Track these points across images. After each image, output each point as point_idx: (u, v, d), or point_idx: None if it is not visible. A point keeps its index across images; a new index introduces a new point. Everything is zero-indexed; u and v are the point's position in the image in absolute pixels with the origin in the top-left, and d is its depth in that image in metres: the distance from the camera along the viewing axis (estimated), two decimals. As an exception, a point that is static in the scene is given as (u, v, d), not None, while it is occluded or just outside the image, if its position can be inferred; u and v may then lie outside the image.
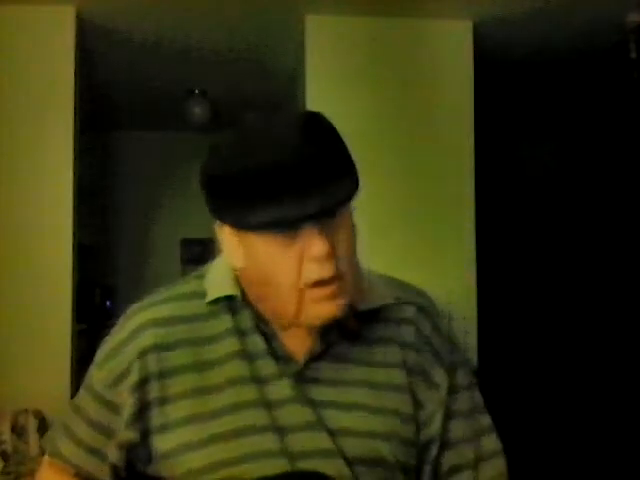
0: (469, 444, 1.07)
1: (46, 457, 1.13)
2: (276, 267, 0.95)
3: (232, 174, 0.91)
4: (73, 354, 3.29)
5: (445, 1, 3.42)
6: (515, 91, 4.59)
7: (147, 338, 1.03)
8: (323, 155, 0.91)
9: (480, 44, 3.61)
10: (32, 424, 2.98)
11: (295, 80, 3.99)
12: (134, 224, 5.47)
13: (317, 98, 3.50)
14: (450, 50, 3.61)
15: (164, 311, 1.06)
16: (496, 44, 3.81)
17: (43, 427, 3.02)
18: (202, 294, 1.06)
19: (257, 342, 1.02)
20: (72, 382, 3.25)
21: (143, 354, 1.02)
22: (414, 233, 3.43)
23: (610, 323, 5.16)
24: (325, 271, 0.93)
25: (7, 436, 2.92)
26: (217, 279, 1.06)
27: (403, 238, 3.37)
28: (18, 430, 2.96)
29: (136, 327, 1.05)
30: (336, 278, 0.94)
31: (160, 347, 1.03)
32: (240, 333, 1.03)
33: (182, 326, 1.04)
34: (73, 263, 3.31)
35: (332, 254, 0.93)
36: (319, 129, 0.94)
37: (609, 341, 5.15)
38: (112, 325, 1.12)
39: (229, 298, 1.04)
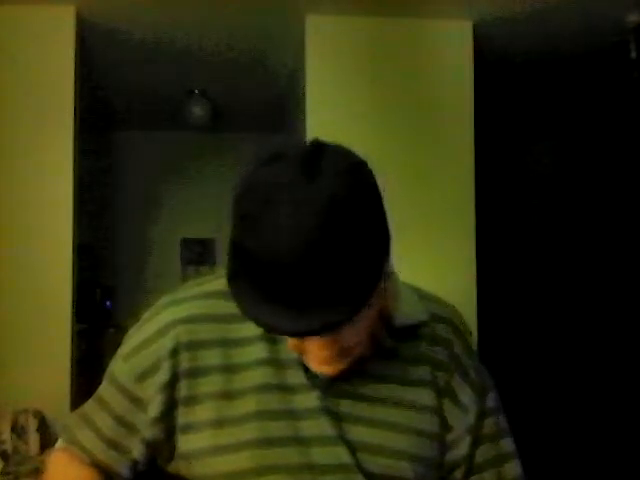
0: (492, 470, 1.06)
1: (60, 444, 1.11)
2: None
3: (239, 248, 0.84)
4: (73, 354, 3.29)
5: (445, 1, 3.42)
6: (515, 91, 4.59)
7: (180, 335, 1.01)
8: (338, 265, 0.79)
9: (480, 44, 3.61)
10: (32, 424, 2.98)
11: (295, 80, 3.99)
12: (134, 224, 5.47)
13: (317, 98, 3.51)
14: (450, 50, 3.60)
15: (197, 308, 1.03)
16: (496, 44, 3.81)
17: (43, 427, 3.02)
18: None
19: (288, 350, 0.99)
20: (72, 382, 3.25)
21: (175, 351, 1.00)
22: (414, 233, 3.43)
23: (610, 323, 5.16)
24: (324, 353, 0.90)
25: (7, 436, 2.92)
26: None
27: (403, 238, 3.35)
28: (18, 430, 2.96)
29: (168, 322, 1.02)
30: (337, 354, 0.91)
31: (192, 345, 1.00)
32: (271, 340, 1.00)
33: (215, 325, 1.02)
34: (73, 263, 3.31)
35: (334, 344, 0.89)
36: (348, 225, 0.81)
37: (610, 341, 5.15)
38: (112, 325, 1.11)
39: None
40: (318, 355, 0.91)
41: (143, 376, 1.01)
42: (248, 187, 0.86)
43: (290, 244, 0.79)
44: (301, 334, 0.83)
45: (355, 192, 0.83)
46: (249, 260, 0.83)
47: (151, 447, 1.03)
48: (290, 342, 0.93)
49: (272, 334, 0.88)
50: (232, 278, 0.87)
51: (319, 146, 0.88)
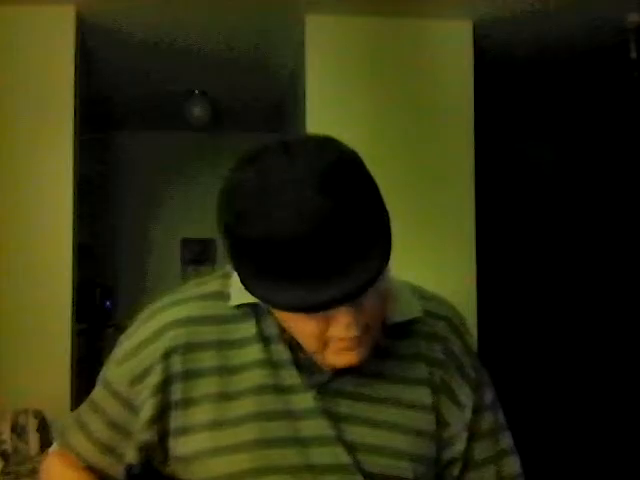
0: (490, 466, 1.06)
1: (55, 447, 1.11)
2: (299, 324, 0.92)
3: (248, 244, 0.84)
4: (73, 354, 3.29)
5: (445, 1, 3.42)
6: (515, 91, 4.59)
7: (173, 338, 1.00)
8: (349, 227, 0.82)
9: (480, 44, 3.61)
10: (32, 424, 2.98)
11: (295, 80, 3.99)
12: (134, 224, 5.47)
13: (317, 98, 3.51)
14: (450, 50, 3.60)
15: (191, 310, 1.02)
16: (496, 44, 3.81)
17: (43, 427, 3.02)
18: (228, 295, 1.03)
19: (282, 351, 0.99)
20: (72, 382, 3.25)
21: (168, 354, 1.00)
22: (414, 233, 3.43)
23: (611, 324, 5.16)
24: (351, 332, 0.90)
25: (7, 436, 2.92)
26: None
27: (403, 238, 3.35)
28: (18, 430, 2.95)
29: (162, 326, 1.02)
30: (362, 333, 0.92)
31: (186, 347, 1.00)
32: (265, 340, 1.00)
33: (209, 327, 1.01)
34: (73, 263, 3.31)
35: (359, 319, 0.90)
36: (345, 187, 0.83)
37: (609, 339, 5.15)
38: (112, 325, 1.10)
39: (256, 303, 1.00)
40: (345, 335, 0.90)
41: (137, 380, 1.01)
42: (237, 185, 0.87)
43: (299, 223, 0.81)
44: (349, 297, 0.83)
45: (342, 159, 0.86)
46: (261, 252, 0.83)
47: (145, 451, 1.02)
48: (312, 334, 0.91)
49: (310, 312, 0.86)
50: (246, 273, 0.87)
51: (288, 138, 0.91)
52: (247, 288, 0.88)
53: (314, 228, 0.81)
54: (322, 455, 0.97)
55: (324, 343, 0.92)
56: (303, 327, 0.92)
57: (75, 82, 3.37)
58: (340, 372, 0.98)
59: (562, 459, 4.47)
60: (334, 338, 0.91)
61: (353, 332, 0.90)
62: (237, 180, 0.87)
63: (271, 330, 1.01)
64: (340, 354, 0.93)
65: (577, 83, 4.46)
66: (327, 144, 0.89)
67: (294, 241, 0.81)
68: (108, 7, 3.41)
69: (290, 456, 0.97)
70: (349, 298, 0.83)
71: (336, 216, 0.81)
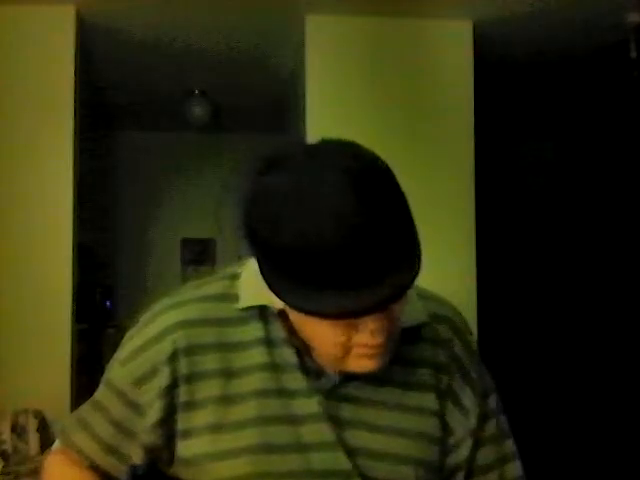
0: (494, 471, 1.06)
1: (58, 445, 1.10)
2: (322, 331, 0.90)
3: (282, 251, 0.83)
4: (73, 354, 3.29)
5: (445, 1, 3.42)
6: (515, 91, 4.59)
7: (178, 339, 0.99)
8: (385, 233, 0.81)
9: (480, 44, 3.61)
10: (32, 424, 2.98)
11: (295, 80, 3.99)
12: (134, 224, 5.46)
13: (317, 98, 3.51)
14: (450, 50, 3.61)
15: (195, 311, 1.01)
16: (496, 44, 3.81)
17: (43, 427, 3.02)
18: (233, 297, 1.02)
19: (287, 355, 0.98)
20: (72, 382, 3.25)
21: (174, 356, 0.99)
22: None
23: (611, 324, 5.15)
24: (378, 338, 0.90)
25: (7, 436, 2.92)
26: (252, 285, 0.98)
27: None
28: (18, 430, 2.95)
29: (166, 327, 1.01)
30: (386, 339, 0.91)
31: (190, 350, 0.99)
32: (270, 344, 0.99)
33: (212, 329, 1.00)
34: (73, 263, 3.31)
35: (385, 325, 0.89)
36: (379, 193, 0.84)
37: (609, 339, 5.14)
38: (112, 325, 1.09)
39: (263, 306, 1.00)
40: (371, 341, 0.89)
41: (141, 381, 1.00)
42: (268, 191, 0.85)
43: (337, 230, 0.80)
44: (387, 302, 0.83)
45: (373, 165, 0.87)
46: (296, 259, 0.82)
47: (150, 452, 1.02)
48: (336, 340, 0.90)
49: (345, 319, 0.85)
50: (278, 280, 0.86)
51: (312, 143, 0.90)
52: (278, 295, 0.87)
53: (352, 235, 0.80)
54: (323, 461, 0.97)
55: (346, 350, 0.91)
56: (327, 334, 0.90)
57: (75, 82, 3.37)
58: (348, 377, 0.98)
59: (562, 459, 4.47)
60: (359, 344, 0.90)
61: (379, 338, 0.89)
62: (268, 185, 0.86)
63: (277, 333, 0.99)
64: (361, 360, 0.92)
65: (577, 83, 4.46)
66: (354, 149, 0.88)
67: (332, 249, 0.80)
68: (108, 7, 3.41)
69: (291, 461, 0.96)
70: (386, 303, 0.83)
71: (373, 223, 0.81)
